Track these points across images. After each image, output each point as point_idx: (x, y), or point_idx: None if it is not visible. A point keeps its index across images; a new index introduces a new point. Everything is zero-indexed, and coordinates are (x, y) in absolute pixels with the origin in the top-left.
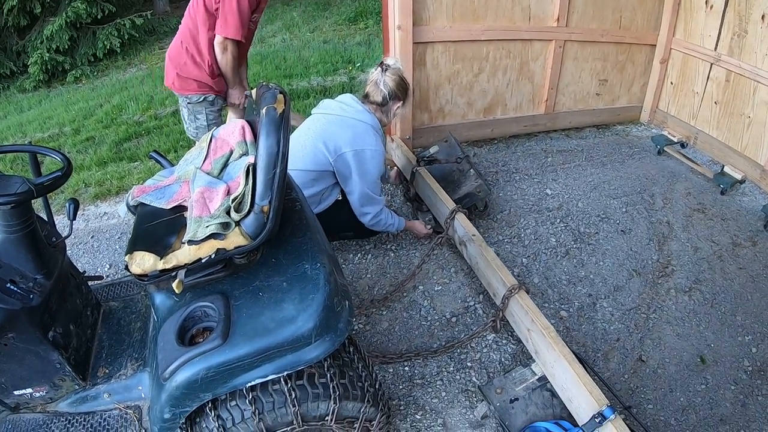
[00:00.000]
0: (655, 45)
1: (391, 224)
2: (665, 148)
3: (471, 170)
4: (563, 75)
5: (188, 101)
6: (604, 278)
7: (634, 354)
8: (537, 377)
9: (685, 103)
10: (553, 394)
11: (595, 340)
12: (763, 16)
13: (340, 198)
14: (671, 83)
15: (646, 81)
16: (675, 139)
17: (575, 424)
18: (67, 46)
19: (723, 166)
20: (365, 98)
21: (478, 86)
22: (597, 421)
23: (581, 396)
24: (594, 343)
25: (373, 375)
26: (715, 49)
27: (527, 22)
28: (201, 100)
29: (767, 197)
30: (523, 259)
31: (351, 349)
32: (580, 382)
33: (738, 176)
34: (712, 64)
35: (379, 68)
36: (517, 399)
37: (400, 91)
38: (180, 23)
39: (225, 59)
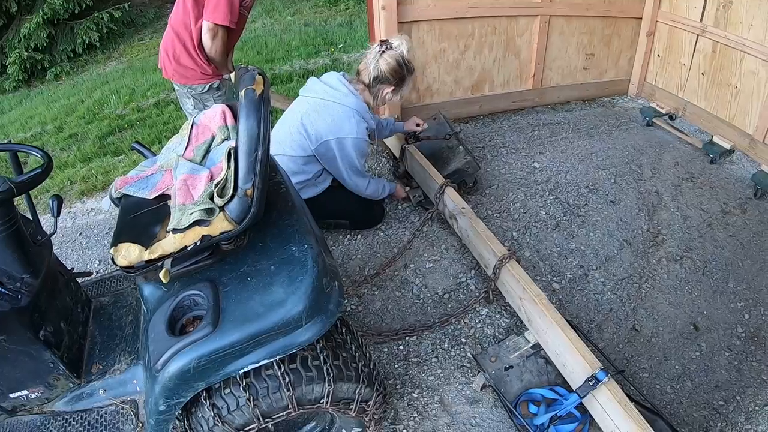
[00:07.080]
0: (641, 18)
1: (383, 188)
2: (654, 120)
3: (460, 147)
4: (550, 50)
5: (193, 92)
6: (594, 249)
7: (627, 324)
8: (531, 345)
9: (672, 75)
10: (548, 361)
11: (588, 311)
12: None
13: (335, 185)
14: (658, 56)
15: (633, 54)
16: (663, 111)
17: (570, 390)
18: (45, 44)
19: (712, 136)
20: (357, 75)
21: (465, 64)
22: (591, 384)
23: (574, 360)
24: (587, 314)
25: (367, 355)
26: (701, 20)
27: None
28: (206, 89)
29: (756, 166)
30: (514, 233)
31: (343, 330)
32: (573, 346)
33: (727, 146)
34: (698, 35)
35: (379, 47)
36: (511, 367)
37: (394, 76)
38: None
39: (214, 46)
